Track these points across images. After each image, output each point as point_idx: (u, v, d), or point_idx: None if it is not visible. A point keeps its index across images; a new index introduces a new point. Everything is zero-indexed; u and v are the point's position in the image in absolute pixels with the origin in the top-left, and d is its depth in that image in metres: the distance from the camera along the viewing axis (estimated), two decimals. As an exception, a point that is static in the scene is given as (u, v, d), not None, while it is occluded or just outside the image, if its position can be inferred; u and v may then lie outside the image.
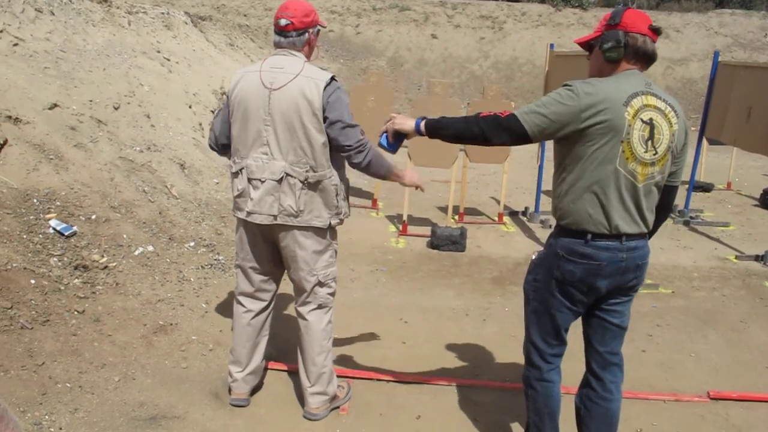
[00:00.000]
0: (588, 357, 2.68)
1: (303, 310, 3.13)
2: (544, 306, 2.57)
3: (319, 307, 3.12)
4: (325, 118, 2.82)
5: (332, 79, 2.87)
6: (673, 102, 2.42)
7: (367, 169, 2.93)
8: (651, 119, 2.32)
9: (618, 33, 2.35)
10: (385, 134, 2.75)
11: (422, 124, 2.59)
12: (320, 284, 3.08)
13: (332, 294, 3.17)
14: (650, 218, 2.45)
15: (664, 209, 2.58)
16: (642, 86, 2.35)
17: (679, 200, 7.88)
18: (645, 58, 2.39)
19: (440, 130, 2.55)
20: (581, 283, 2.44)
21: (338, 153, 2.91)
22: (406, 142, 2.79)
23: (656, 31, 2.38)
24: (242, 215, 2.99)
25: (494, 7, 20.57)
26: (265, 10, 19.22)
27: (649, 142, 2.33)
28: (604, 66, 2.42)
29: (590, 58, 2.52)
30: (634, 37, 2.35)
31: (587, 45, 2.52)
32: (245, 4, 19.88)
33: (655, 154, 2.34)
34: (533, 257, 2.70)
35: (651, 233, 2.59)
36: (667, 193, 2.53)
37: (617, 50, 2.36)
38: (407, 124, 2.66)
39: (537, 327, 2.63)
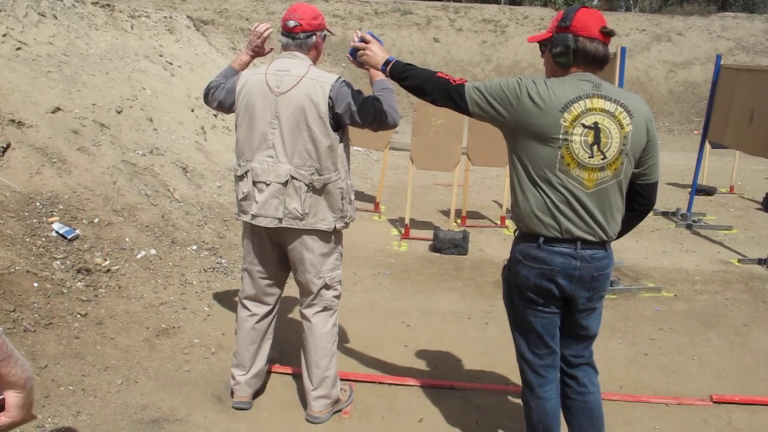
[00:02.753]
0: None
1: (308, 312, 3.13)
2: (520, 314, 2.54)
3: (324, 309, 3.13)
4: (336, 115, 2.84)
5: (337, 80, 2.88)
6: (630, 101, 2.32)
7: (393, 113, 2.89)
8: (596, 123, 2.26)
9: (567, 37, 2.29)
10: (354, 48, 2.77)
11: (388, 68, 2.61)
12: (326, 287, 3.08)
13: (338, 297, 3.17)
14: (609, 226, 2.38)
15: (645, 207, 2.53)
16: (588, 89, 2.28)
17: (682, 204, 7.88)
18: (596, 63, 2.33)
19: (403, 80, 2.55)
20: (536, 288, 2.41)
21: (370, 129, 2.93)
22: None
23: (608, 34, 2.32)
24: (247, 218, 3.00)
25: (496, 11, 20.60)
26: (268, 14, 19.28)
27: (595, 147, 2.27)
28: (555, 69, 2.39)
29: (543, 57, 2.48)
30: (583, 42, 2.29)
31: (540, 44, 2.47)
32: (247, 8, 19.95)
33: (603, 159, 2.29)
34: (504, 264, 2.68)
35: (623, 231, 2.53)
36: (643, 194, 2.48)
37: (566, 56, 2.32)
38: (376, 59, 2.66)
39: (521, 338, 2.59)
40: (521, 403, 3.38)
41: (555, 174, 2.29)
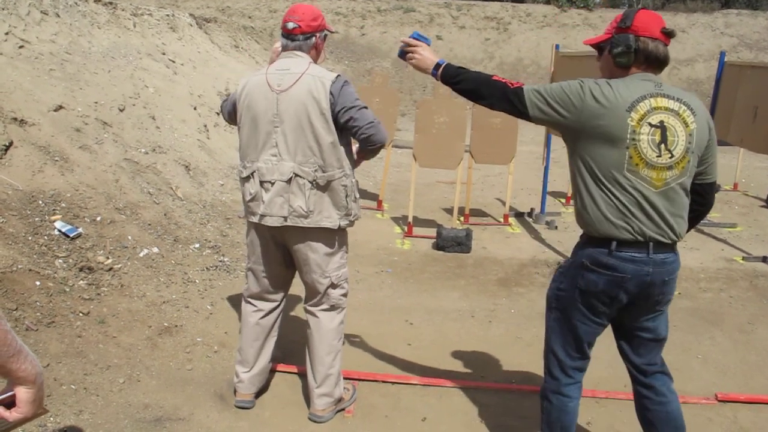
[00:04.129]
0: (629, 370, 2.62)
1: (315, 310, 3.13)
2: (567, 316, 2.50)
3: (332, 308, 3.13)
4: (337, 113, 2.83)
5: (338, 77, 2.89)
6: (691, 100, 2.33)
7: (374, 151, 2.95)
8: (661, 122, 2.25)
9: (628, 37, 2.28)
10: (402, 50, 2.71)
11: (439, 72, 2.57)
12: (333, 286, 3.08)
13: (345, 295, 3.17)
14: (678, 226, 2.34)
15: (704, 207, 2.51)
16: (651, 89, 2.27)
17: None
18: (656, 63, 2.32)
19: (456, 84, 2.53)
20: (603, 294, 2.37)
21: (354, 136, 2.91)
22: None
23: (669, 35, 2.31)
24: (255, 219, 2.97)
25: (499, 8, 20.56)
26: (270, 11, 19.26)
27: (662, 146, 2.25)
28: (615, 70, 2.36)
29: (600, 60, 2.46)
30: (644, 41, 2.28)
31: (597, 46, 2.46)
32: (250, 5, 19.92)
33: (671, 158, 2.27)
34: (558, 265, 2.63)
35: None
36: (702, 193, 2.46)
37: (627, 55, 2.30)
38: (425, 63, 2.62)
39: (559, 337, 2.56)
40: (524, 401, 3.38)
41: (624, 175, 2.27)
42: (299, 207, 2.87)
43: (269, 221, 2.92)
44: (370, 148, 2.94)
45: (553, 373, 2.60)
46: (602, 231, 2.33)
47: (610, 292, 2.36)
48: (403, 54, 2.70)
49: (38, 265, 3.76)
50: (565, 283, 2.50)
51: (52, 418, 2.88)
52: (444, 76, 2.56)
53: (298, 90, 2.82)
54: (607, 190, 2.29)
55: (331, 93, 2.81)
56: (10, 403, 1.44)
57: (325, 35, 3.05)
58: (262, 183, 2.91)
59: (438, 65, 2.58)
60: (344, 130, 2.92)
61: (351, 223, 3.04)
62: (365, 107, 2.87)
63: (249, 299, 3.22)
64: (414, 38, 2.68)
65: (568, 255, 6.59)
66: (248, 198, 2.98)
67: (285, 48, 2.97)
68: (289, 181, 2.86)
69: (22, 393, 1.43)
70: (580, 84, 2.29)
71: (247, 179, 2.97)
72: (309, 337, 3.16)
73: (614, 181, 2.28)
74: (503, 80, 2.42)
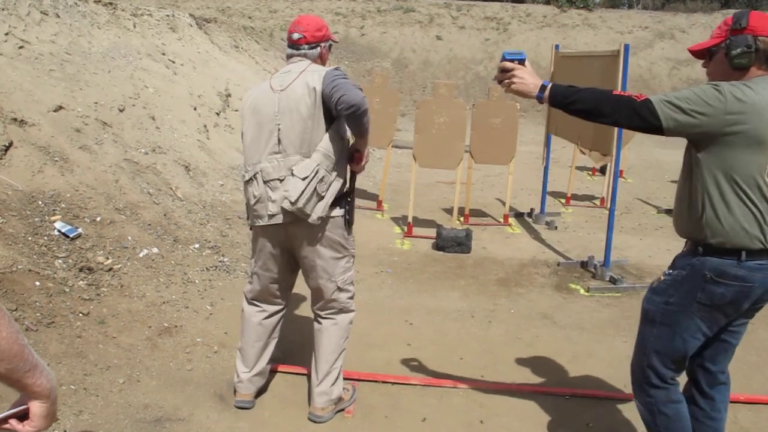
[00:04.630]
0: (695, 374, 2.58)
1: (323, 314, 3.16)
2: (675, 330, 2.40)
3: (340, 311, 3.15)
4: (324, 91, 2.82)
5: (335, 68, 2.93)
6: None
7: (355, 117, 2.81)
8: None
9: (747, 38, 2.21)
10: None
11: (546, 95, 2.36)
12: (339, 290, 3.09)
13: (351, 298, 3.19)
14: None
15: None
16: None
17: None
18: None
19: (569, 104, 2.34)
20: (730, 305, 2.31)
21: (339, 111, 2.80)
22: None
23: None
24: (263, 222, 2.96)
25: (499, 8, 20.57)
26: (270, 12, 19.26)
27: None
28: (731, 73, 2.27)
29: (708, 65, 2.38)
30: (764, 41, 2.20)
31: (706, 52, 2.37)
32: (250, 6, 19.93)
33: None
34: (663, 277, 2.52)
35: None
36: None
37: (748, 56, 2.22)
38: (528, 88, 2.38)
39: (659, 353, 2.47)
40: (524, 401, 3.38)
41: (765, 180, 2.21)
42: None
43: (282, 219, 2.91)
44: (345, 113, 2.77)
45: (655, 384, 2.51)
46: (735, 242, 2.25)
47: (738, 303, 2.31)
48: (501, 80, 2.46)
49: (38, 266, 3.76)
50: (676, 296, 2.40)
51: (51, 419, 2.88)
52: (553, 97, 2.36)
53: (297, 85, 2.87)
54: (746, 197, 2.22)
55: (324, 77, 2.84)
56: (23, 416, 1.44)
57: (330, 45, 3.11)
58: (266, 182, 2.91)
59: (543, 87, 2.38)
60: (336, 117, 2.90)
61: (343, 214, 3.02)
62: (346, 78, 2.85)
63: (253, 301, 3.23)
64: (506, 60, 2.41)
65: (569, 255, 6.57)
66: (252, 201, 2.97)
67: (290, 57, 3.03)
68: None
69: (36, 407, 1.42)
70: (715, 87, 2.19)
71: (249, 182, 2.97)
72: (316, 334, 3.18)
73: (756, 187, 2.21)
74: (626, 94, 2.28)
